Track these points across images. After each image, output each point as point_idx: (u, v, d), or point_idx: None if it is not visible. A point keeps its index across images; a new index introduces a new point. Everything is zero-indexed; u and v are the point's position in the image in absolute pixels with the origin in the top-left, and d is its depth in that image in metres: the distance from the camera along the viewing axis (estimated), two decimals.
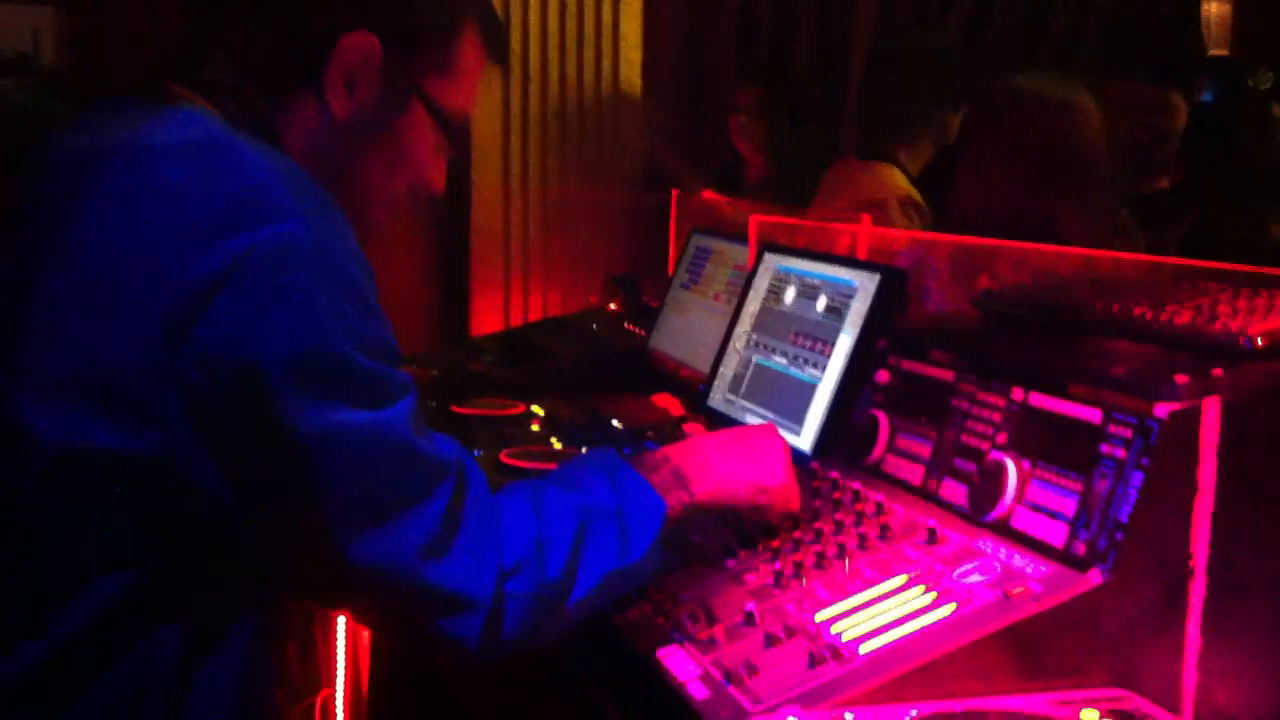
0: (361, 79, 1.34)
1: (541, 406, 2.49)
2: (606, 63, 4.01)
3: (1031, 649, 1.27)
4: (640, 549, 1.38)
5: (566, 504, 1.36)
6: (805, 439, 1.98)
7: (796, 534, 1.56)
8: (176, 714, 1.24)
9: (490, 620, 1.26)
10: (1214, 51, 5.31)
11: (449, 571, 1.23)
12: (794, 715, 1.14)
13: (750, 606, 1.41)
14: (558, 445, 2.24)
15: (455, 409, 2.45)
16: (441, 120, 1.40)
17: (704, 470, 1.49)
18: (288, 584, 1.33)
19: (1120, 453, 1.31)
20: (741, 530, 1.59)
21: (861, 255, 2.39)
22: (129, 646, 1.20)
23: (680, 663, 1.38)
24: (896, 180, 3.03)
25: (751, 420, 2.15)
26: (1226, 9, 5.41)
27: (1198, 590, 1.29)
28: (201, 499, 1.17)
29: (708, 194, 3.65)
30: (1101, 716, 1.17)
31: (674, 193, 3.56)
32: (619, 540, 1.37)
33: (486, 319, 3.90)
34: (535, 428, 2.37)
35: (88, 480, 1.14)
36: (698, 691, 1.31)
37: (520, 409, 2.47)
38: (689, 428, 2.38)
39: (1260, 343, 1.33)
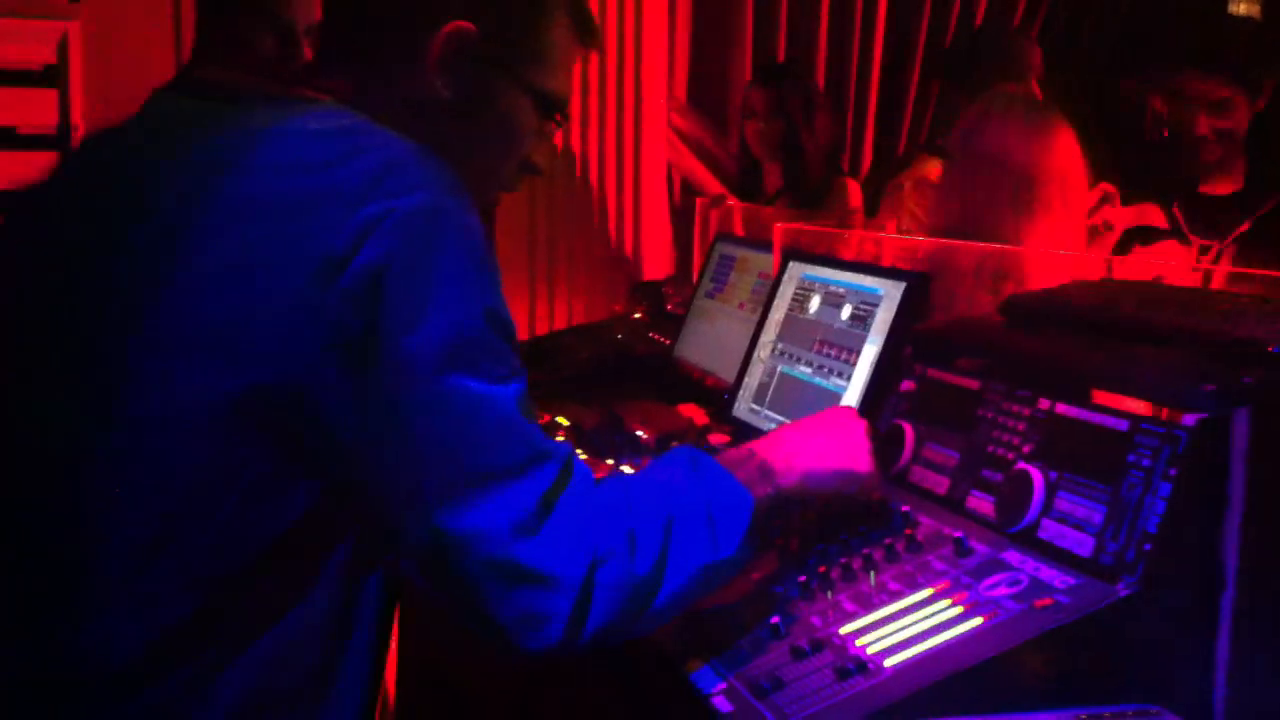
0: (461, 65, 1.43)
1: (566, 416, 2.49)
2: (630, 67, 4.02)
3: (1060, 662, 1.25)
4: (732, 544, 1.36)
5: (655, 499, 1.35)
6: None
7: (822, 545, 1.55)
8: (328, 678, 1.32)
9: (578, 606, 1.25)
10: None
11: (540, 550, 1.23)
12: None
13: (776, 619, 1.41)
14: (583, 456, 2.23)
15: None
16: (540, 102, 1.50)
17: (790, 461, 1.48)
18: (386, 546, 1.35)
19: (1148, 462, 1.29)
20: (827, 518, 1.59)
21: (886, 262, 2.37)
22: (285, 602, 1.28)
23: (705, 676, 1.37)
24: None
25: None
26: (1255, 8, 5.36)
27: (1228, 601, 1.27)
28: (328, 438, 1.22)
29: (733, 201, 3.64)
30: None
31: (698, 200, 3.55)
32: (709, 535, 1.35)
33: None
34: (560, 438, 2.36)
35: (229, 422, 1.21)
36: (722, 705, 1.31)
37: (545, 419, 2.47)
38: (714, 439, 2.37)
39: None
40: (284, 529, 1.25)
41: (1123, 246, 2.55)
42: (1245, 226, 2.77)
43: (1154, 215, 2.90)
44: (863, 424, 1.59)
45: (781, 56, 4.69)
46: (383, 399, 1.21)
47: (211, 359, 1.20)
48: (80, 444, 1.25)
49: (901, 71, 4.99)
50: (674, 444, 2.28)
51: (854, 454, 1.54)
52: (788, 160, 4.04)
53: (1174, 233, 2.86)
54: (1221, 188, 2.95)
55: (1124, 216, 2.43)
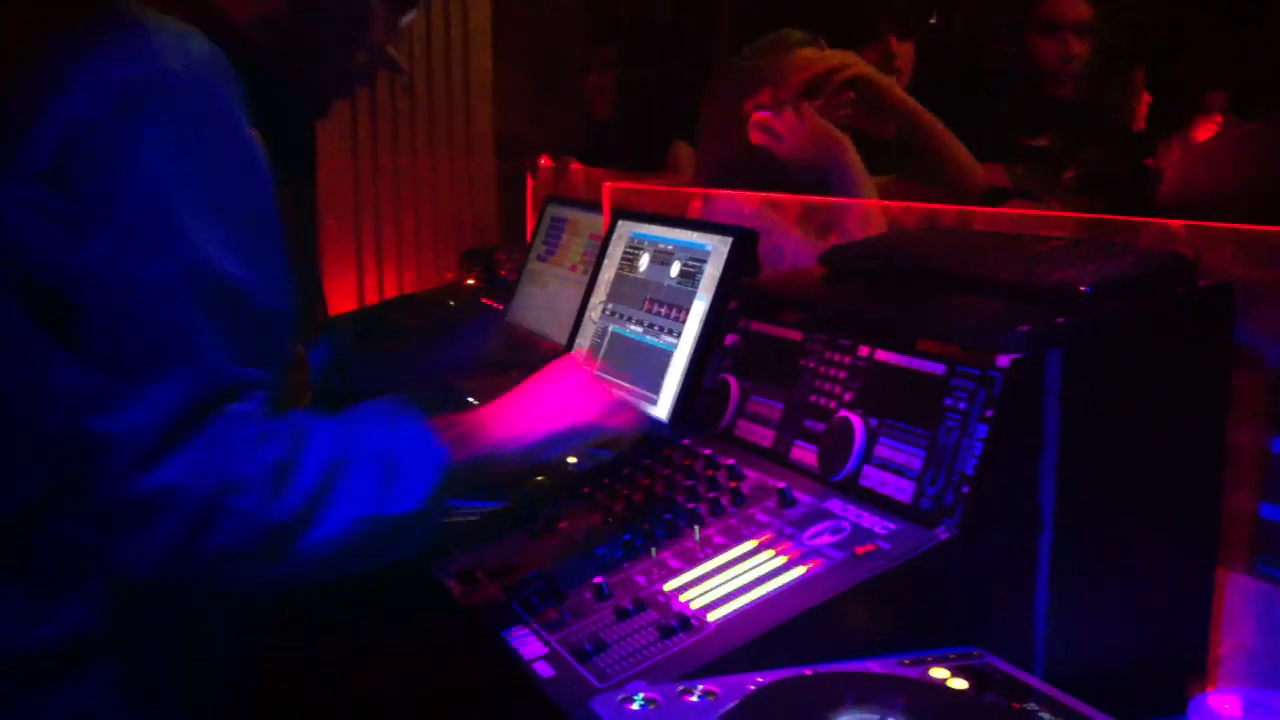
0: None
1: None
2: (456, 33, 3.92)
3: (883, 609, 1.24)
4: (411, 500, 1.28)
5: (331, 439, 1.27)
6: (663, 408, 1.94)
7: (647, 503, 1.52)
8: None
9: (193, 528, 1.18)
10: None
11: (169, 470, 1.17)
12: (641, 689, 1.09)
13: (599, 580, 1.37)
14: None
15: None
16: None
17: (510, 426, 1.42)
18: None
19: (964, 405, 1.29)
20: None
21: (714, 218, 2.35)
22: None
23: (527, 642, 1.33)
24: None
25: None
26: None
27: (1045, 542, 1.28)
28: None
29: (575, 165, 3.59)
30: (952, 675, 1.15)
31: (528, 163, 3.49)
32: (381, 485, 1.27)
33: (340, 299, 3.79)
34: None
35: None
36: (543, 670, 1.27)
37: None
38: None
39: (1097, 290, 1.32)
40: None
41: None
42: (1070, 174, 2.83)
43: (998, 175, 2.95)
44: (583, 372, 1.54)
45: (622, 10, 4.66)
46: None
47: None
48: None
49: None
50: None
51: (581, 404, 1.48)
52: (624, 113, 4.01)
53: (1020, 192, 2.91)
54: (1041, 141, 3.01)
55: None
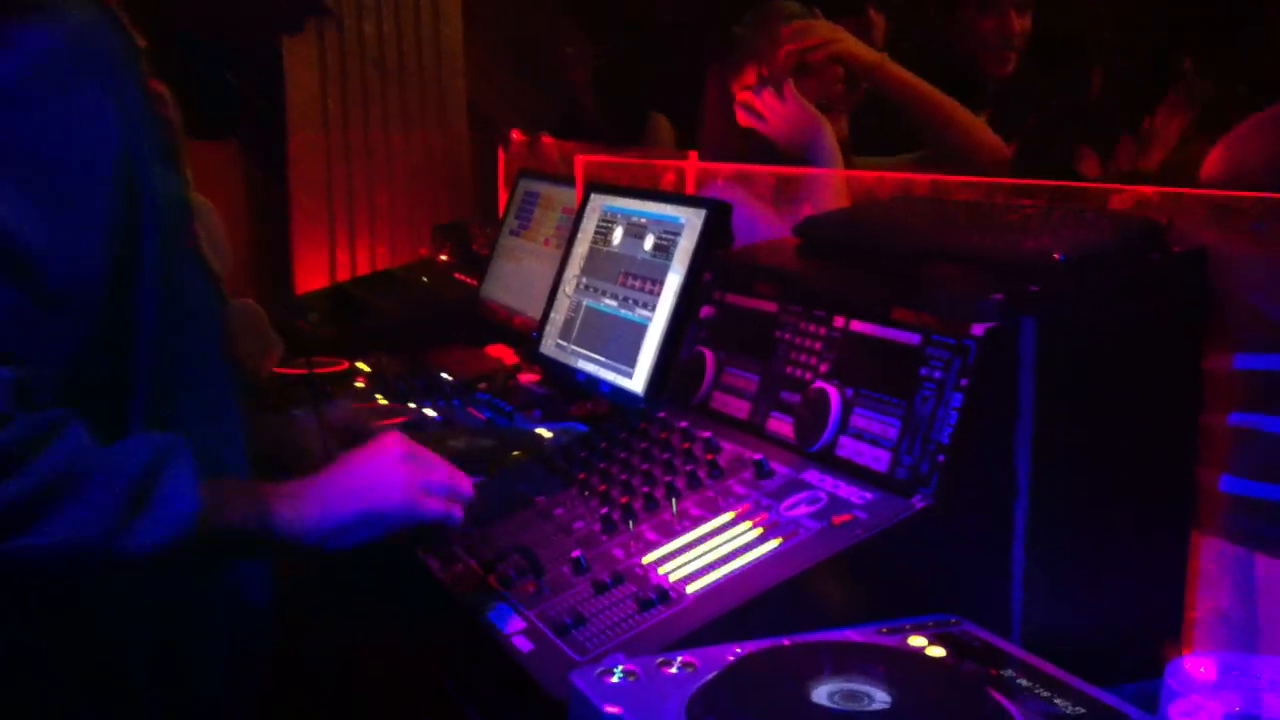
0: None
1: (368, 363, 2.40)
2: (425, 3, 3.88)
3: (861, 578, 1.25)
4: (145, 539, 1.18)
5: (77, 448, 1.18)
6: (638, 381, 1.94)
7: (624, 477, 1.51)
8: None
9: None
10: None
11: None
12: (620, 662, 1.09)
13: (578, 554, 1.37)
14: (383, 401, 2.16)
15: (275, 369, 2.34)
16: None
17: (305, 496, 1.32)
18: None
19: (939, 374, 1.29)
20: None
21: (689, 191, 2.35)
22: None
23: (506, 617, 1.33)
24: None
25: (584, 365, 2.10)
26: None
27: (1021, 509, 1.28)
28: None
29: (547, 139, 3.56)
30: (930, 643, 1.15)
31: (501, 137, 3.46)
32: (115, 516, 1.18)
33: (312, 276, 3.76)
34: (360, 384, 2.28)
35: None
36: (523, 645, 1.26)
37: (344, 365, 2.38)
38: (524, 379, 2.33)
39: (1070, 258, 1.32)
40: None
41: None
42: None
43: None
44: (398, 450, 1.39)
45: None
46: None
47: None
48: None
49: None
50: (481, 385, 2.23)
51: (388, 488, 1.36)
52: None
53: None
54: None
55: None
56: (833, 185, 2.07)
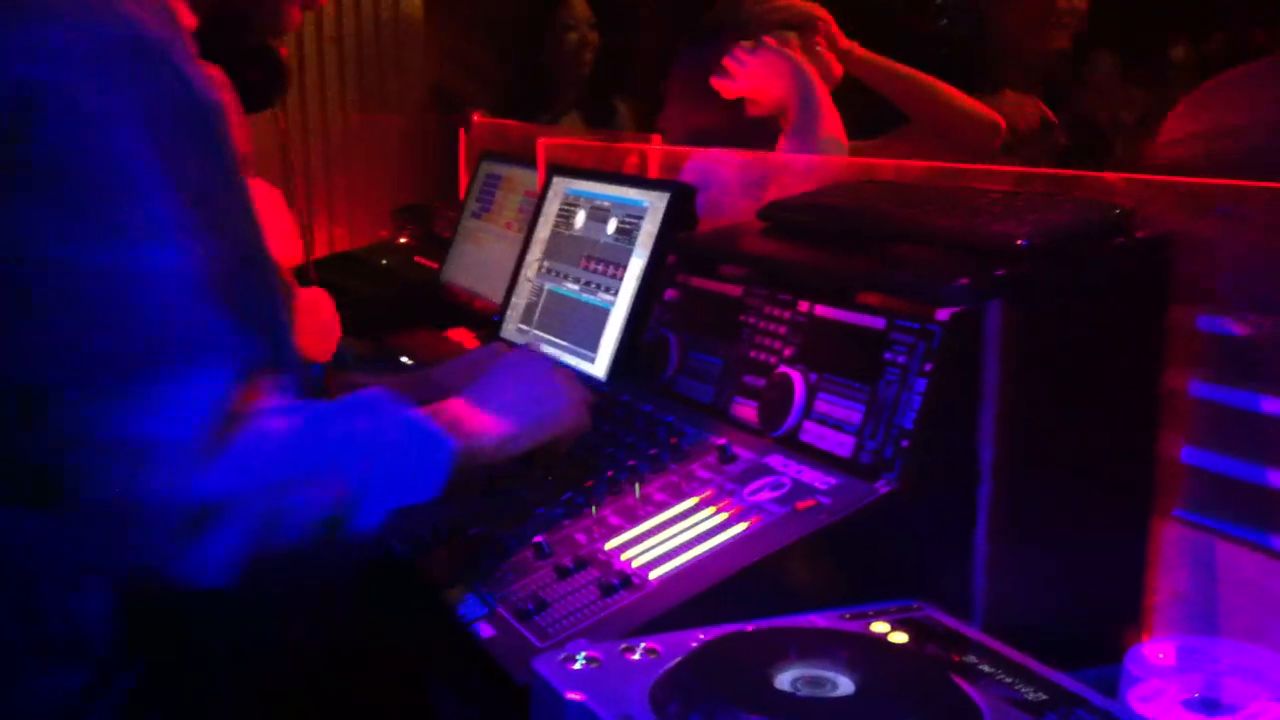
0: None
1: None
2: None
3: (824, 563, 1.24)
4: (431, 487, 1.25)
5: (347, 427, 1.23)
6: (600, 366, 1.93)
7: (586, 460, 1.50)
8: None
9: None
10: None
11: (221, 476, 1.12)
12: (583, 648, 1.08)
13: (540, 539, 1.36)
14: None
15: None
16: None
17: (481, 409, 1.36)
18: None
19: (904, 359, 1.28)
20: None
21: (652, 174, 2.33)
22: None
23: (469, 603, 1.31)
24: None
25: (546, 349, 2.09)
26: None
27: (984, 495, 1.28)
28: None
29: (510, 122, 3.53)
30: (893, 628, 1.15)
31: (460, 117, 3.43)
32: (407, 475, 1.24)
33: None
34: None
35: None
36: (484, 631, 1.25)
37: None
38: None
39: (1036, 242, 1.32)
40: None
41: None
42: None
43: None
44: (547, 361, 1.49)
45: None
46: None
47: None
48: None
49: None
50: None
51: (551, 396, 1.43)
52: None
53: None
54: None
55: None
56: (801, 166, 2.04)
